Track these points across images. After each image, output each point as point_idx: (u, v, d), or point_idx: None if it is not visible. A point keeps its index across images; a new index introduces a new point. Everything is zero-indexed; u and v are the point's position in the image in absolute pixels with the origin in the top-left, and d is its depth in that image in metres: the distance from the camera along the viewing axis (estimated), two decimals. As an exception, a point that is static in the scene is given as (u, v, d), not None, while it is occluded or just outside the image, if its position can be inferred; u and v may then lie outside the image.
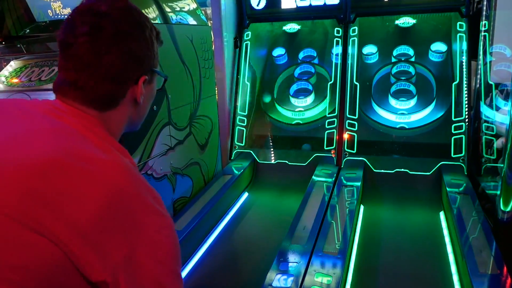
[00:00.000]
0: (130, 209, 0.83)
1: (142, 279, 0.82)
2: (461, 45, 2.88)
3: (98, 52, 0.93)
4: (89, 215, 0.77)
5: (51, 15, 2.48)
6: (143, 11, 2.32)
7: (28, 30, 2.56)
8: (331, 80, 3.08)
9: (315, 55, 3.22)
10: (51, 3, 2.45)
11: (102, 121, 0.97)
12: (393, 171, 2.76)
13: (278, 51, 3.29)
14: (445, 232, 2.26)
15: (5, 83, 2.08)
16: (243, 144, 3.15)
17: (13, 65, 2.19)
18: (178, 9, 2.70)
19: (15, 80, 2.05)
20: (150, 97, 1.11)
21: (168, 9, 2.56)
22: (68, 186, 0.79)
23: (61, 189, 0.78)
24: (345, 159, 2.88)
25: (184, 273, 2.05)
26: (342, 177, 2.67)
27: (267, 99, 3.18)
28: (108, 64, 0.94)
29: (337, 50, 3.13)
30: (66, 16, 2.40)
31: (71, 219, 0.76)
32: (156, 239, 0.86)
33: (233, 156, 3.14)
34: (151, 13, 2.39)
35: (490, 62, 2.57)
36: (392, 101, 2.89)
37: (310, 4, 3.19)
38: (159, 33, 1.11)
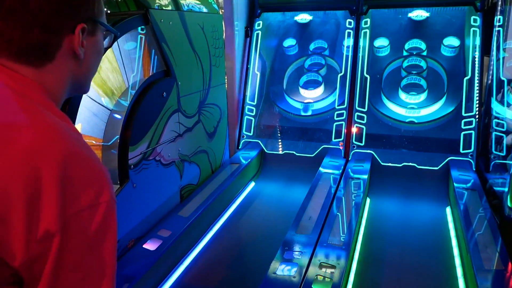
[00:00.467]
0: (52, 181, 0.72)
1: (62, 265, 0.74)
2: (474, 40, 2.85)
3: None
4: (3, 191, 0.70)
5: None
6: (155, -3, 2.32)
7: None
8: (341, 72, 3.06)
9: (326, 46, 3.20)
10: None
11: (38, 81, 0.87)
12: (400, 165, 2.76)
13: (289, 42, 3.27)
14: (451, 227, 2.26)
15: None
16: (251, 134, 3.15)
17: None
18: (190, -4, 2.70)
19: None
20: (95, 52, 0.98)
21: (180, -4, 2.56)
22: None
23: None
24: (353, 151, 2.88)
25: (190, 259, 2.07)
26: (349, 170, 2.67)
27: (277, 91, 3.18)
28: (36, 9, 0.83)
29: (348, 42, 3.11)
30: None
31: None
32: (87, 216, 0.76)
33: (241, 145, 3.15)
34: (163, -1, 2.39)
35: (503, 58, 2.54)
36: (402, 95, 2.88)
37: (323, -5, 3.17)
38: None
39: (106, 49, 1.09)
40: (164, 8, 2.35)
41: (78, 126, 1.70)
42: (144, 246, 1.92)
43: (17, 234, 0.70)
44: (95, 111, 1.83)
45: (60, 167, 0.73)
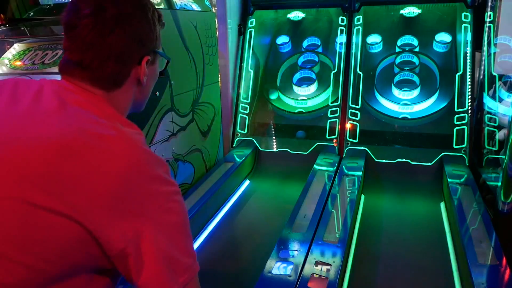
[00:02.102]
0: (144, 181, 0.88)
1: (152, 252, 0.88)
2: (465, 36, 2.86)
3: (102, 32, 0.95)
4: (107, 188, 0.83)
5: (54, -2, 2.47)
6: (147, -4, 2.31)
7: (32, 13, 2.54)
8: (334, 69, 3.07)
9: (319, 43, 3.20)
10: (55, -14, 2.43)
11: (108, 99, 1.00)
12: (394, 161, 2.77)
13: (282, 39, 3.27)
14: (445, 222, 2.27)
15: (9, 65, 2.07)
16: (245, 132, 3.15)
17: (16, 47, 2.18)
18: (182, -6, 2.68)
19: (18, 63, 2.05)
20: (153, 78, 1.14)
21: (172, -5, 2.55)
22: (83, 164, 0.83)
23: (76, 168, 0.82)
24: (347, 148, 2.88)
25: (184, 259, 2.06)
26: (343, 167, 2.68)
27: (273, 95, 3.17)
28: (112, 44, 0.97)
29: (341, 39, 3.11)
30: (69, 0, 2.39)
31: (91, 194, 0.81)
32: (169, 206, 0.93)
33: (235, 143, 3.14)
34: (155, -2, 2.38)
35: (494, 53, 2.55)
36: (395, 91, 2.88)
37: (315, -8, 3.17)
38: (161, 15, 1.12)
39: (160, 73, 1.23)
40: (156, 6, 2.34)
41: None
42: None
43: (115, 226, 0.83)
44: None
45: (144, 169, 0.89)
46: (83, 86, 0.98)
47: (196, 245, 2.18)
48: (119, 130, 0.93)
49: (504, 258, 1.70)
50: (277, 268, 1.71)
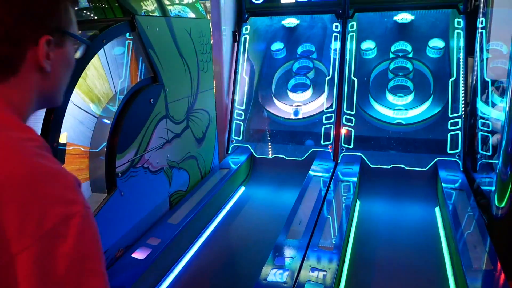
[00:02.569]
0: (26, 199, 0.72)
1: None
2: (458, 42, 2.88)
3: None
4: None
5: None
6: (142, 3, 2.31)
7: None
8: (329, 75, 3.08)
9: (313, 50, 3.22)
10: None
11: (0, 95, 0.85)
12: (389, 167, 2.77)
13: (277, 46, 3.28)
14: (440, 227, 2.27)
15: None
16: (240, 138, 3.15)
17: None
18: (177, 2, 2.69)
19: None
20: (64, 65, 0.95)
21: (167, 2, 2.55)
22: None
23: None
24: (342, 154, 2.89)
25: (180, 266, 2.06)
26: (338, 172, 2.68)
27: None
28: None
29: (335, 45, 3.13)
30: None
31: None
32: (58, 231, 0.73)
33: (230, 150, 3.14)
34: (150, 5, 2.38)
35: (487, 59, 2.58)
36: (390, 97, 2.90)
37: (309, -1, 3.19)
38: None
39: (78, 59, 1.03)
40: (151, 14, 2.35)
41: (64, 135, 1.69)
42: (133, 255, 1.90)
43: None
44: (81, 119, 1.81)
45: (19, 188, 0.72)
46: None
47: (191, 252, 2.17)
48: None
49: (499, 263, 1.70)
50: (272, 274, 1.70)
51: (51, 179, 0.76)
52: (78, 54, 1.01)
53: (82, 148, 1.84)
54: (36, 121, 1.63)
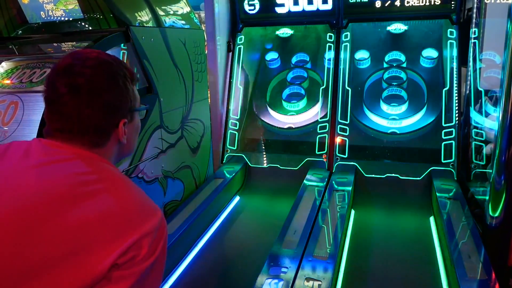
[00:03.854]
0: (134, 223, 0.96)
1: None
2: (451, 52, 2.91)
3: (78, 108, 1.04)
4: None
5: (43, 16, 2.47)
6: (136, 14, 2.33)
7: (20, 31, 2.55)
8: (323, 85, 3.09)
9: (307, 59, 3.23)
10: (44, 4, 2.44)
11: (94, 153, 1.09)
12: (384, 176, 2.78)
13: (271, 55, 3.30)
14: (435, 237, 2.28)
15: (-4, 84, 2.06)
16: (235, 148, 3.15)
17: (4, 66, 2.17)
18: (171, 12, 2.70)
19: (6, 81, 2.04)
20: (134, 132, 1.22)
21: (161, 13, 2.57)
22: (88, 213, 0.93)
23: (83, 219, 0.92)
24: (337, 163, 2.89)
25: (174, 277, 2.05)
26: (333, 182, 2.68)
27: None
28: (88, 117, 1.05)
29: (329, 55, 3.15)
30: (57, 18, 2.40)
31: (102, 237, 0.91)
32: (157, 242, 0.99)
33: (225, 159, 3.14)
34: (144, 16, 2.40)
35: (480, 68, 2.60)
36: (384, 106, 2.91)
37: (303, 9, 3.21)
38: (133, 74, 1.19)
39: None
40: (145, 25, 2.36)
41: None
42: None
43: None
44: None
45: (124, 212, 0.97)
46: (69, 144, 1.06)
47: (186, 262, 2.16)
48: (108, 178, 1.04)
49: (493, 273, 1.70)
50: (267, 284, 1.70)
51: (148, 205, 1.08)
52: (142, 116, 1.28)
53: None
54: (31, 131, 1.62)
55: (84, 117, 1.05)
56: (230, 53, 3.32)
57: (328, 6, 3.15)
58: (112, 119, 1.10)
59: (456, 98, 2.81)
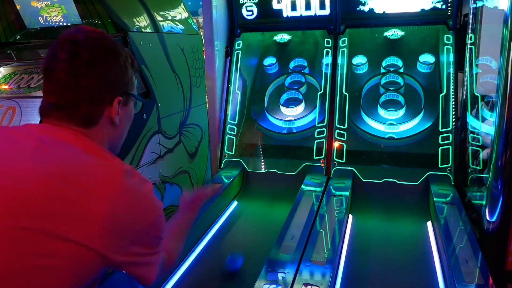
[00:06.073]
0: (134, 204, 1.01)
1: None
2: (448, 57, 2.92)
3: (75, 75, 1.05)
4: (105, 212, 0.94)
5: (42, 22, 2.48)
6: (134, 19, 2.33)
7: (18, 37, 2.55)
8: (321, 90, 3.10)
9: (305, 64, 3.24)
10: (42, 9, 2.45)
11: (87, 136, 1.09)
12: (381, 181, 2.78)
13: (269, 61, 3.31)
14: (432, 241, 2.28)
15: (-6, 89, 2.06)
16: (233, 153, 3.15)
17: (2, 71, 2.18)
18: (169, 18, 2.71)
19: (4, 87, 2.05)
20: (127, 119, 1.23)
21: (159, 18, 2.58)
22: (79, 193, 0.94)
23: (73, 197, 0.93)
24: (334, 168, 2.90)
25: (172, 282, 2.04)
26: (331, 187, 2.69)
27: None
28: (84, 85, 1.06)
29: (327, 60, 3.16)
30: (56, 24, 2.41)
31: (91, 219, 0.93)
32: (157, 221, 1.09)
33: (222, 164, 3.14)
34: (142, 21, 2.40)
35: (476, 74, 2.61)
36: (381, 111, 2.92)
37: (301, 15, 3.22)
38: (134, 61, 1.22)
39: (135, 114, 1.31)
40: (143, 30, 2.37)
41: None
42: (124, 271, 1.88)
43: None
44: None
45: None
46: (61, 124, 1.07)
47: (184, 267, 2.16)
48: (104, 159, 1.05)
49: (490, 277, 1.70)
50: (265, 290, 1.69)
51: (147, 188, 1.15)
52: (136, 110, 1.29)
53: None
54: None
55: (80, 86, 1.06)
56: (228, 58, 3.32)
57: (326, 11, 3.17)
58: (107, 94, 1.11)
59: (453, 103, 2.82)
